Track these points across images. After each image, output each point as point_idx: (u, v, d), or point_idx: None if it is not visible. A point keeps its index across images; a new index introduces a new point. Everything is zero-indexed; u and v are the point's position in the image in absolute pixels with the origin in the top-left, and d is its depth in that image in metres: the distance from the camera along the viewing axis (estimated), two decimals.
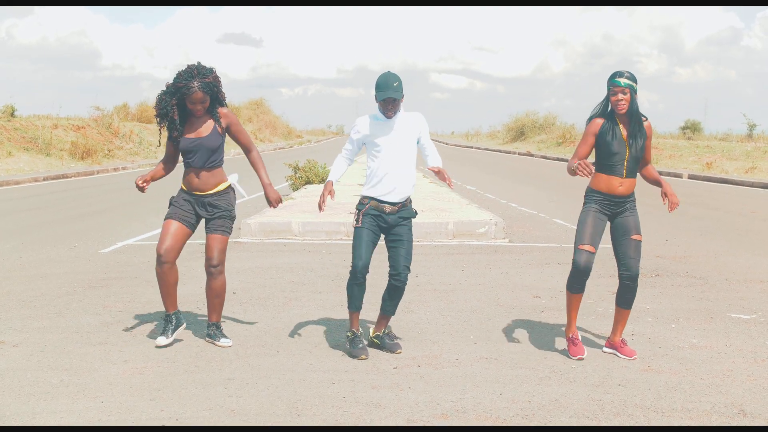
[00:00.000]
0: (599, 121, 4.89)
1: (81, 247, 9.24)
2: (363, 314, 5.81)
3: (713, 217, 13.03)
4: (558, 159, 33.55)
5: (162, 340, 5.11)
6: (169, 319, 5.20)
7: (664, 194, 4.95)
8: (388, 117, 4.91)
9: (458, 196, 14.01)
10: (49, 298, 6.53)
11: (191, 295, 6.58)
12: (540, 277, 7.57)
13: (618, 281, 4.98)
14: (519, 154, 41.04)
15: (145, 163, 27.81)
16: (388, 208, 4.94)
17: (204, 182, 5.09)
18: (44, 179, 20.23)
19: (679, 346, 5.24)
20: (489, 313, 6.09)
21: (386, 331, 5.14)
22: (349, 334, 5.02)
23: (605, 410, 4.02)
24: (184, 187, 5.16)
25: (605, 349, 5.10)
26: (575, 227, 5.07)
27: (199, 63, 5.05)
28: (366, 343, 5.08)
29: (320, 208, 5.05)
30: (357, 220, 4.98)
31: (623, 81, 4.76)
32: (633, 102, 4.80)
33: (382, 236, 5.09)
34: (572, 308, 5.02)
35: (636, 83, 4.79)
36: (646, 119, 4.92)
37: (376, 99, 4.89)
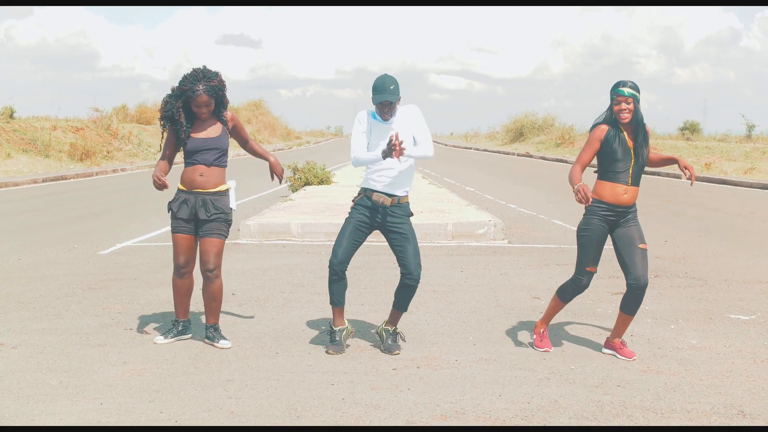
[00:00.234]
0: (605, 128, 4.86)
1: (80, 249, 9.23)
2: (361, 314, 5.82)
3: (712, 217, 13.03)
4: (557, 160, 33.56)
5: (160, 339, 5.18)
6: (176, 324, 5.28)
7: (684, 168, 4.86)
8: (385, 120, 4.92)
9: (457, 197, 14.02)
10: (48, 299, 6.53)
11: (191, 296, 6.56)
12: (539, 278, 7.57)
13: (626, 288, 4.95)
14: (518, 155, 41.04)
15: (144, 164, 27.79)
16: (382, 199, 4.94)
17: (207, 180, 5.12)
18: (43, 181, 20.22)
19: (678, 347, 5.24)
20: (488, 315, 6.09)
21: (396, 330, 5.13)
22: (327, 328, 5.13)
23: (604, 411, 4.02)
24: (184, 187, 5.17)
25: (604, 350, 5.10)
26: (575, 229, 5.07)
27: (204, 67, 5.12)
28: (342, 340, 5.06)
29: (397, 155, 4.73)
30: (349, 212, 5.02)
31: (626, 90, 4.76)
32: (637, 112, 4.79)
33: (382, 237, 5.09)
34: (555, 312, 5.21)
35: (639, 92, 4.80)
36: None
37: (372, 101, 4.90)
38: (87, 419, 3.86)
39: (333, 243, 5.12)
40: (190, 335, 5.31)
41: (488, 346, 5.20)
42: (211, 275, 5.17)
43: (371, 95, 4.89)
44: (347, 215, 5.07)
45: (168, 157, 5.27)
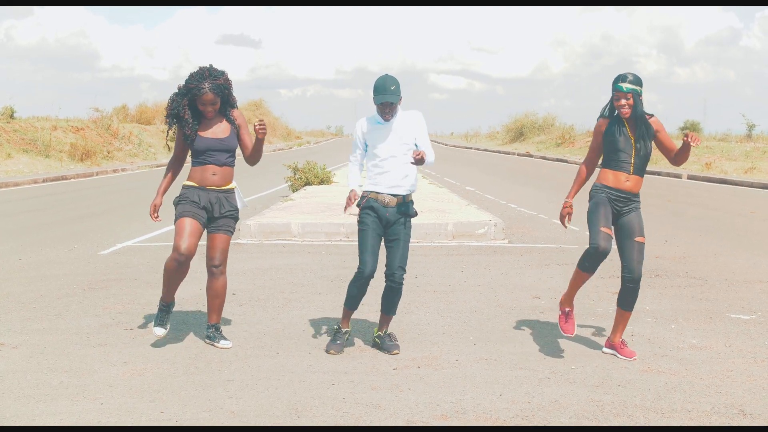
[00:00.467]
0: (605, 120, 4.99)
1: (80, 249, 9.23)
2: (361, 314, 5.82)
3: (713, 217, 13.03)
4: (557, 159, 33.57)
5: (160, 331, 5.14)
6: (167, 309, 5.20)
7: (685, 137, 4.72)
8: (386, 120, 4.96)
9: (458, 197, 14.02)
10: (48, 299, 6.53)
11: (191, 297, 6.57)
12: (539, 278, 7.57)
13: (620, 283, 4.99)
14: (518, 154, 41.03)
15: (144, 164, 27.81)
16: (387, 199, 4.96)
17: (220, 178, 5.12)
18: (43, 181, 20.22)
19: (678, 346, 5.24)
20: (488, 314, 6.09)
21: (387, 332, 5.14)
22: (335, 327, 5.16)
23: (605, 411, 4.02)
24: (195, 183, 5.13)
25: (605, 349, 5.10)
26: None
27: (211, 65, 5.12)
28: (344, 341, 5.10)
29: (345, 209, 5.08)
30: (358, 216, 5.04)
31: (626, 86, 4.78)
32: (637, 106, 4.82)
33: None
34: (577, 284, 5.06)
35: (641, 86, 4.82)
36: (651, 116, 4.93)
37: (373, 102, 4.93)
38: (87, 419, 3.86)
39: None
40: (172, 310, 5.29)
41: (489, 346, 5.20)
42: (217, 271, 5.17)
43: (372, 95, 4.92)
44: (358, 222, 5.05)
45: (178, 156, 5.26)
